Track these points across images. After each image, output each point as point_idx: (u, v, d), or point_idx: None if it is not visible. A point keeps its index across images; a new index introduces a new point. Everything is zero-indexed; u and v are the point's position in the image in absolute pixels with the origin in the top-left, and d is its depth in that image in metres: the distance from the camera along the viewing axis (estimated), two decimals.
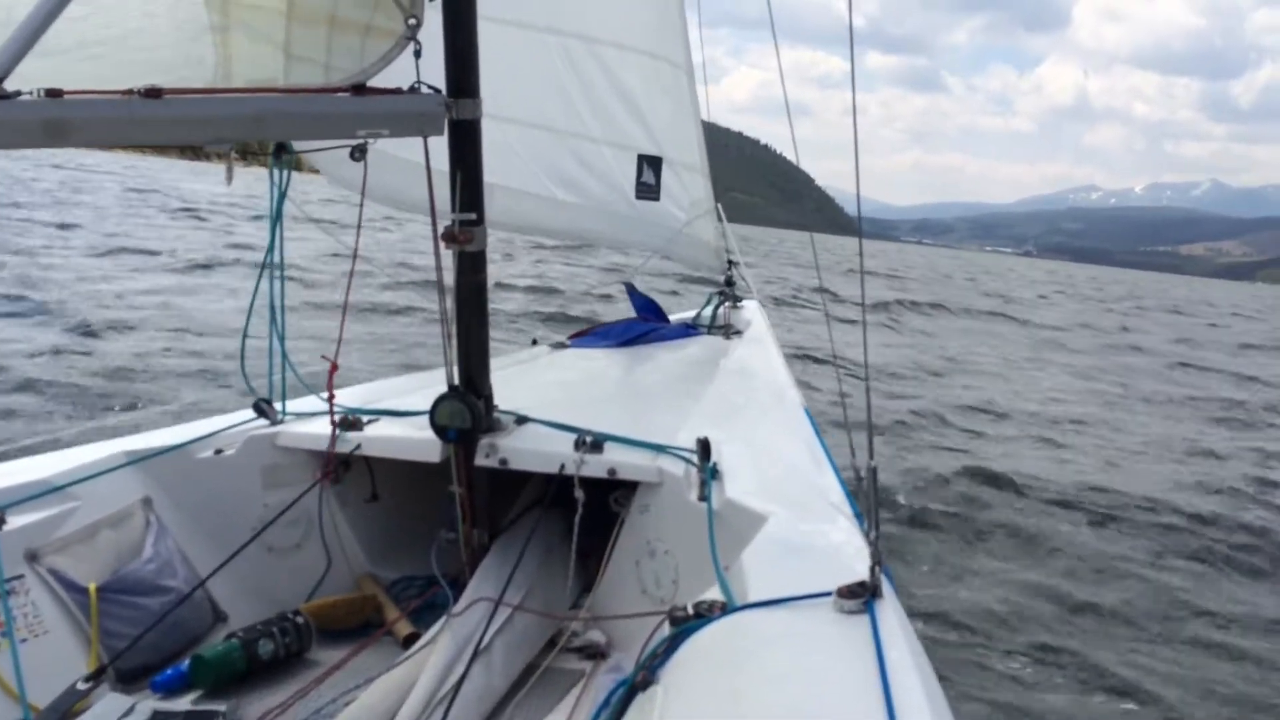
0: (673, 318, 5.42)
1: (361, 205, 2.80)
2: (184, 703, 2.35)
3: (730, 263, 5.56)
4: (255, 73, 2.47)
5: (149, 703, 2.31)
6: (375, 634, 2.72)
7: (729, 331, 5.08)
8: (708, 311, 5.42)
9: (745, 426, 3.18)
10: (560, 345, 4.72)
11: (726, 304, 5.47)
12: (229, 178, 2.42)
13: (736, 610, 1.86)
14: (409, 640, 2.66)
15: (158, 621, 2.43)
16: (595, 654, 2.68)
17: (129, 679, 2.39)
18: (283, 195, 2.88)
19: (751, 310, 5.58)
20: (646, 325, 5.02)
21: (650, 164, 5.06)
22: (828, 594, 1.80)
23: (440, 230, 2.67)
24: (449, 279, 2.74)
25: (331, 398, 2.95)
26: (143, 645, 2.40)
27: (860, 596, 1.79)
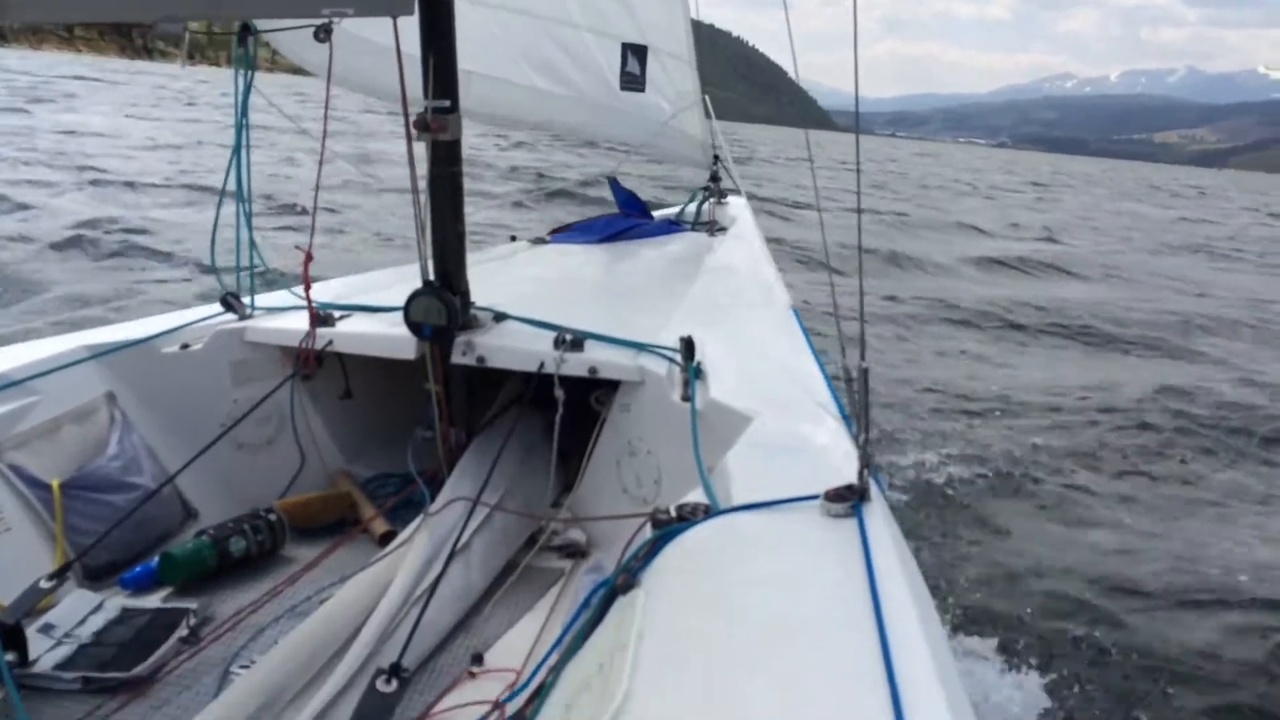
0: (656, 214, 5.29)
1: (328, 90, 2.66)
2: (153, 600, 2.31)
3: (715, 158, 5.42)
4: None
5: (118, 599, 2.27)
6: (351, 532, 2.68)
7: (714, 228, 4.97)
8: (692, 207, 5.31)
9: (730, 325, 3.10)
10: (540, 240, 4.60)
11: (711, 199, 5.35)
12: (184, 57, 2.27)
13: (721, 514, 1.81)
14: (385, 538, 2.61)
15: (125, 518, 2.36)
16: (575, 553, 2.65)
17: (96, 576, 2.34)
18: (249, 84, 2.73)
19: (737, 206, 5.46)
20: (629, 221, 4.90)
21: (635, 53, 4.88)
22: (814, 497, 1.75)
23: (412, 118, 2.55)
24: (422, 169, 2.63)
25: (308, 286, 2.85)
26: (110, 542, 2.34)
27: (848, 500, 1.74)
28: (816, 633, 1.40)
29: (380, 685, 1.99)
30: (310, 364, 2.88)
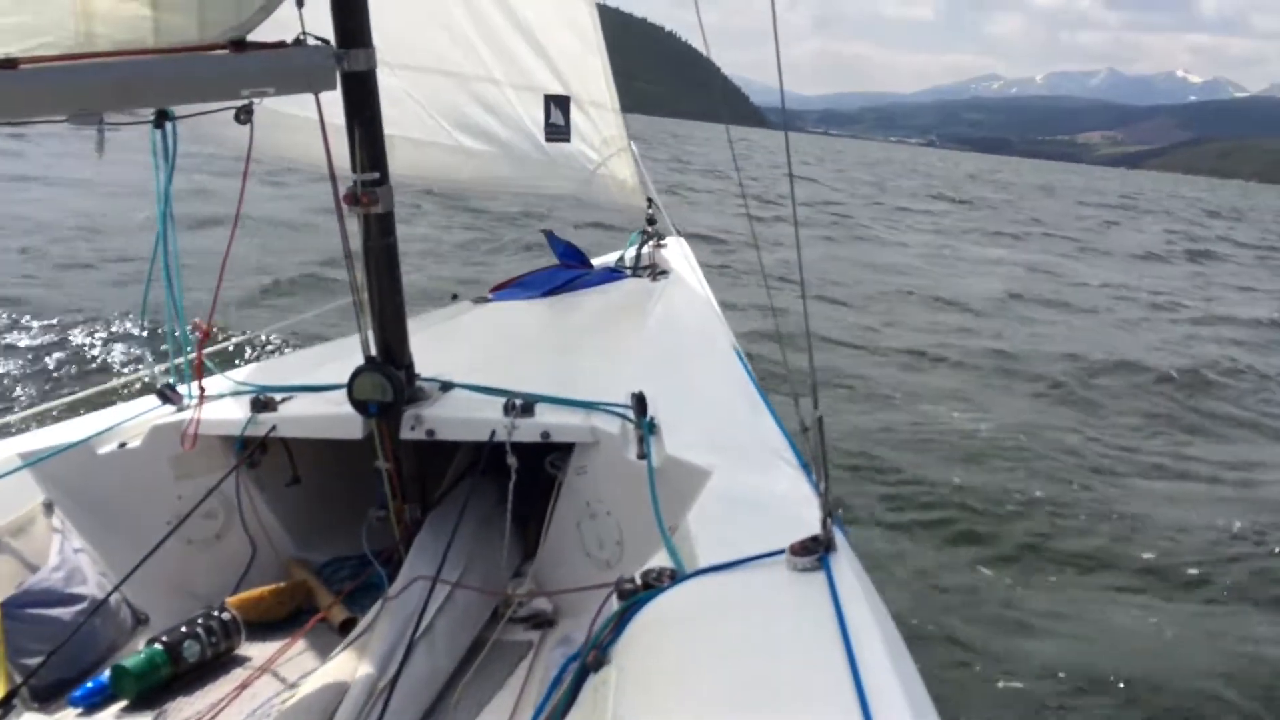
0: (596, 261, 5.28)
1: (245, 171, 2.60)
2: (108, 717, 2.21)
3: (649, 200, 5.42)
4: (122, 34, 2.24)
5: None
6: (309, 623, 2.59)
7: (655, 272, 4.97)
8: (631, 253, 5.30)
9: (679, 375, 3.09)
10: (482, 299, 4.56)
11: (650, 243, 5.36)
12: (100, 148, 2.21)
13: (686, 578, 1.78)
14: (346, 626, 2.54)
15: (73, 634, 2.26)
16: (543, 623, 2.60)
17: (44, 697, 2.23)
18: (170, 165, 2.66)
19: (676, 248, 5.47)
20: (570, 272, 4.88)
21: (558, 104, 4.88)
22: (780, 553, 1.73)
23: (342, 193, 2.51)
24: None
25: (200, 366, 2.72)
26: (57, 659, 2.24)
27: (814, 553, 1.72)
28: (791, 702, 1.37)
29: None
30: (252, 451, 2.80)
